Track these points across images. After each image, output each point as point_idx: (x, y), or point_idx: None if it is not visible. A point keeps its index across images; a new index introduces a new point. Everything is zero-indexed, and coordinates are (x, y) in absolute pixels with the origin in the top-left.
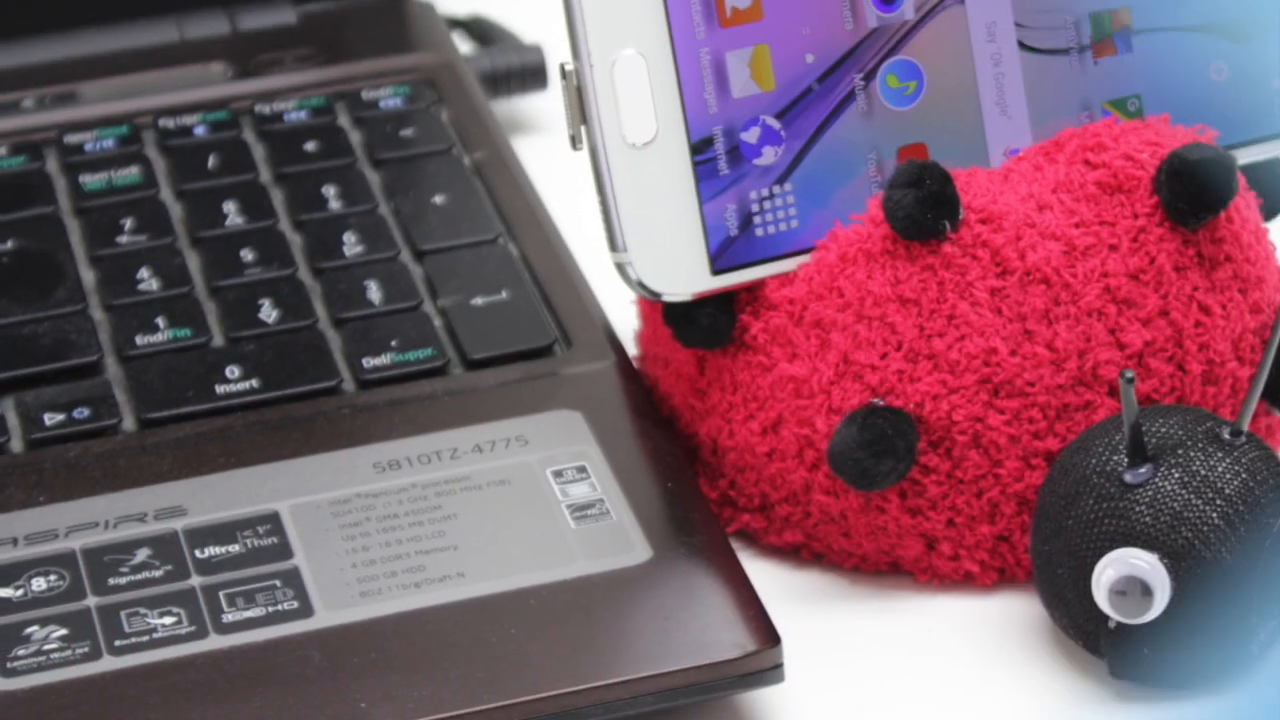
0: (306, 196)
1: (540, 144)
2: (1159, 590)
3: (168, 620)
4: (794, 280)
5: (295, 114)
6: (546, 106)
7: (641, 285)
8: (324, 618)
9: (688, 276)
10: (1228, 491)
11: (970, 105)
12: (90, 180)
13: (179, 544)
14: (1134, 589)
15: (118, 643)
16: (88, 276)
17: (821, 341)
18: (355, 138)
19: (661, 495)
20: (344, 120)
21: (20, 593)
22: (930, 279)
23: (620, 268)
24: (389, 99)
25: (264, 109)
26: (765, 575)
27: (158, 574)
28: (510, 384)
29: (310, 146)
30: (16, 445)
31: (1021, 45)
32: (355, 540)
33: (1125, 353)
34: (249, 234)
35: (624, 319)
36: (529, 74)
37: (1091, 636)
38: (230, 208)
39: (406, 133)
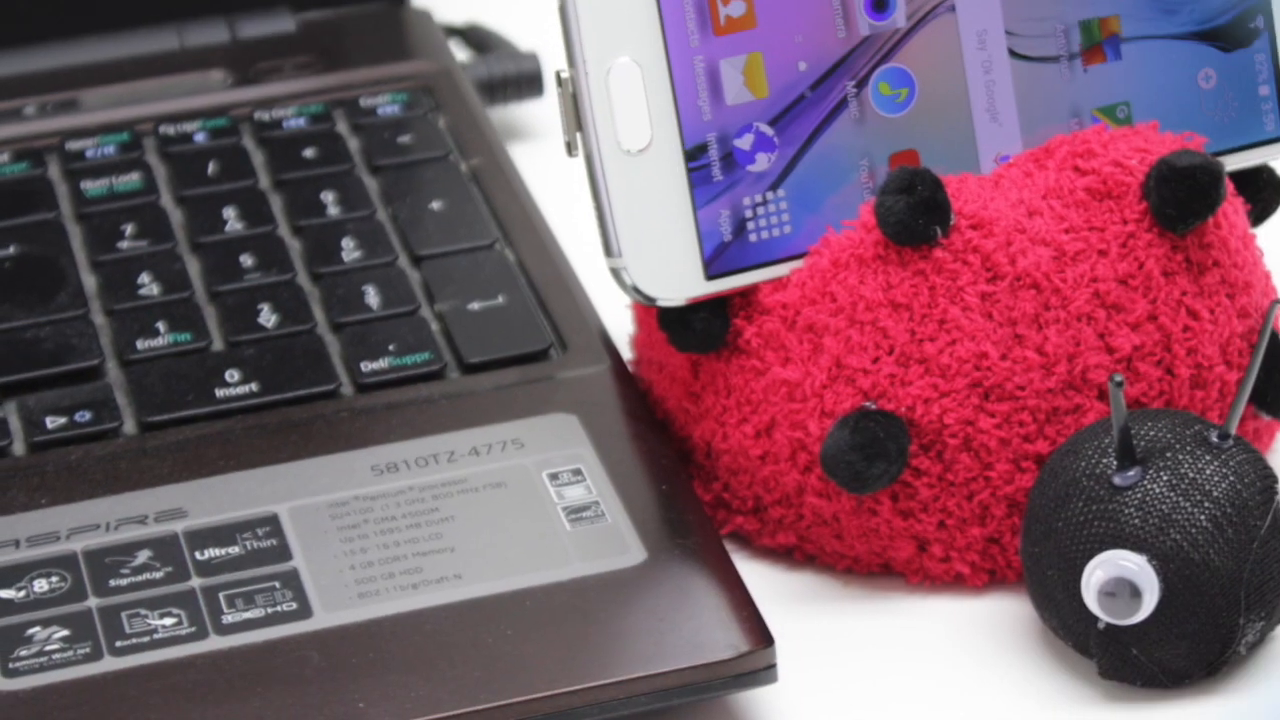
0: (305, 202)
1: (536, 150)
2: (1147, 592)
3: (168, 621)
4: (787, 285)
5: (294, 121)
6: (542, 113)
7: (636, 290)
8: (322, 619)
9: (682, 281)
10: (1215, 494)
11: (961, 112)
12: (91, 186)
13: (179, 546)
14: (1123, 590)
15: (119, 643)
16: (89, 281)
17: (814, 346)
18: (353, 144)
19: (656, 498)
20: (342, 127)
21: (22, 594)
22: (922, 284)
23: (615, 273)
24: (387, 106)
25: (263, 116)
26: (759, 577)
27: (158, 575)
28: (506, 388)
29: (309, 153)
30: (19, 448)
31: (1012, 53)
32: (353, 542)
33: (1114, 357)
34: (248, 239)
35: (619, 323)
36: (525, 81)
37: (1081, 637)
38: (230, 213)
39: (404, 139)
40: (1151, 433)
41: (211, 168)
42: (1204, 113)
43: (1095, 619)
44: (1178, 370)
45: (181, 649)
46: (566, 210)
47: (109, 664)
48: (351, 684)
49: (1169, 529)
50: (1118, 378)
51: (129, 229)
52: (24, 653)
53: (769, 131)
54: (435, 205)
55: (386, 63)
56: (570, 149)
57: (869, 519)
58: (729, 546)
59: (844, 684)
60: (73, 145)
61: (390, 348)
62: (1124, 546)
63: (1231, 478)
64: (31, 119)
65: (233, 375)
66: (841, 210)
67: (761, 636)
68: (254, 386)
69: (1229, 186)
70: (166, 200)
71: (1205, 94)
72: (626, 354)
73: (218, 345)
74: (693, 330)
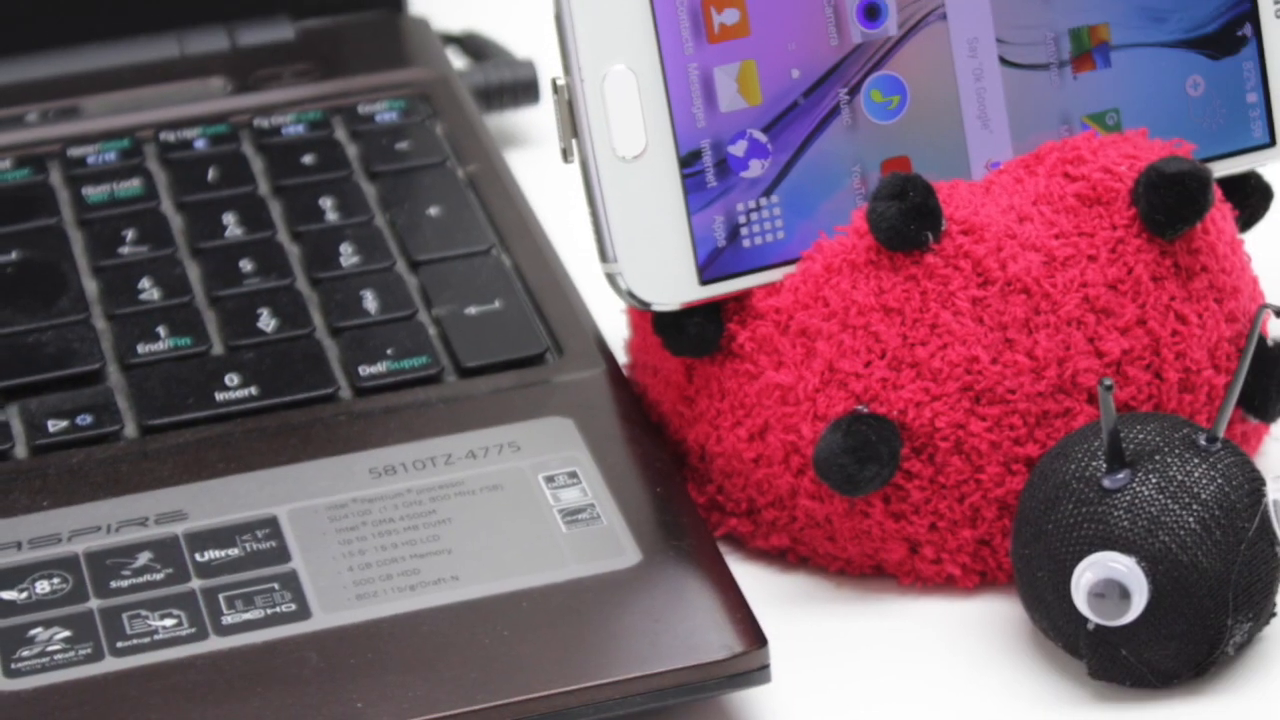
0: (304, 208)
1: (532, 157)
2: (1136, 593)
3: (168, 622)
4: (780, 290)
5: (293, 128)
6: (538, 120)
7: (631, 295)
8: (321, 620)
9: (676, 286)
10: (1204, 497)
11: (952, 119)
12: (93, 192)
13: (179, 548)
14: (1112, 592)
15: (119, 644)
16: (90, 286)
17: (807, 350)
18: (352, 151)
19: (651, 500)
20: (341, 134)
21: (24, 595)
22: (913, 289)
23: (610, 278)
24: (384, 113)
25: (262, 123)
26: (752, 578)
27: (159, 577)
28: (503, 391)
29: (308, 159)
30: (21, 451)
31: (1002, 60)
32: (352, 544)
33: (1104, 361)
34: (248, 245)
35: (614, 328)
36: (521, 89)
37: (1071, 638)
38: (230, 219)
39: (402, 146)
40: (1140, 436)
41: (211, 174)
42: (1192, 119)
43: (1085, 620)
44: (1166, 374)
45: (182, 649)
46: (562, 216)
47: (110, 664)
48: (350, 684)
49: (1158, 531)
50: (1107, 381)
51: (130, 234)
52: (26, 653)
53: (762, 138)
54: (433, 211)
55: (384, 70)
56: (566, 155)
57: (861, 521)
58: (723, 548)
59: (837, 684)
60: (74, 152)
61: (388, 352)
62: (1113, 548)
63: (1219, 480)
64: (34, 126)
65: (232, 379)
66: (834, 216)
67: (755, 637)
68: (253, 390)
69: (1217, 192)
70: (167, 206)
71: (1194, 101)
72: (622, 358)
73: (218, 349)
74: (687, 335)
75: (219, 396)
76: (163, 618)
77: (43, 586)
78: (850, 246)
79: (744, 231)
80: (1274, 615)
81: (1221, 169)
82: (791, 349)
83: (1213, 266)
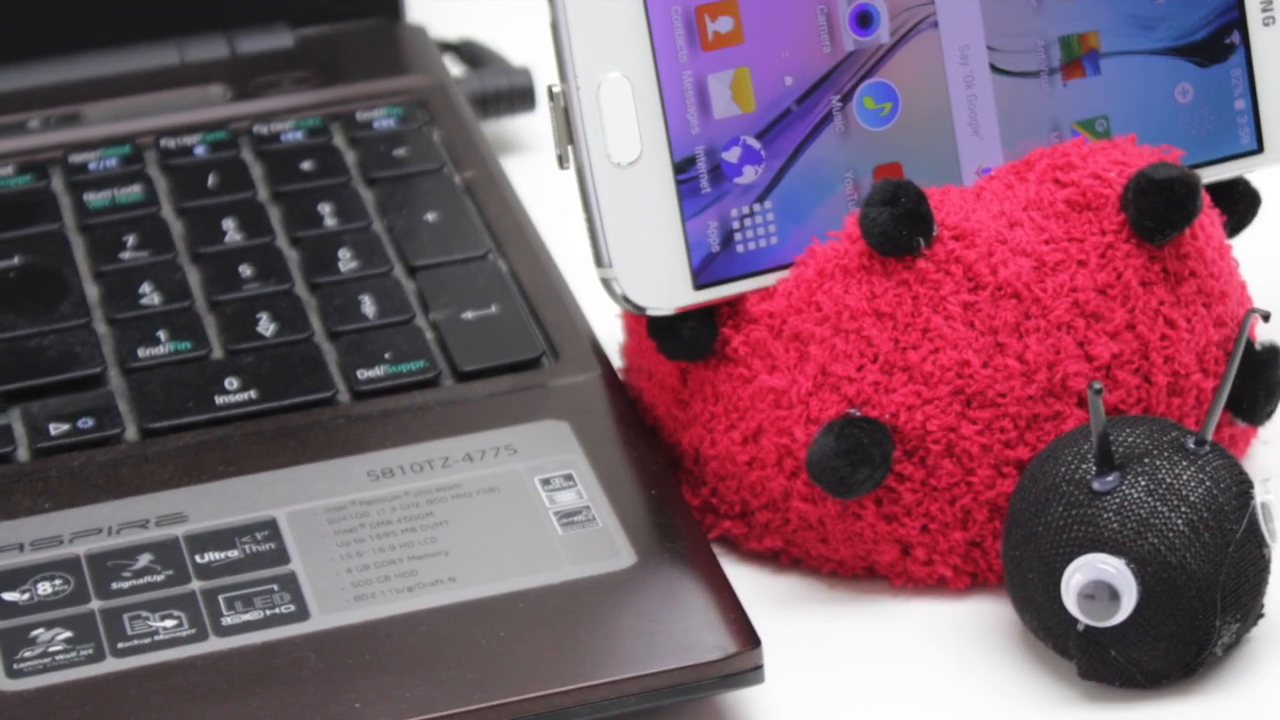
0: (303, 214)
1: (528, 163)
2: (1126, 594)
3: (169, 623)
4: (774, 295)
5: (292, 134)
6: (534, 127)
7: (626, 300)
8: (320, 621)
9: (671, 291)
10: (1192, 499)
11: (944, 126)
12: (94, 198)
13: (180, 549)
14: (1102, 593)
15: (120, 645)
16: (91, 291)
17: (800, 354)
18: (350, 157)
19: (645, 502)
20: (339, 140)
21: (26, 596)
22: (905, 293)
23: (606, 283)
24: (382, 120)
25: (262, 129)
26: (746, 580)
27: (159, 578)
28: (499, 395)
29: (306, 166)
30: (23, 454)
31: (993, 68)
32: (350, 546)
33: (1093, 365)
34: (247, 250)
35: (609, 332)
36: (518, 96)
37: (1061, 639)
38: (229, 225)
39: (399, 152)
40: (1130, 439)
41: (211, 180)
42: (1181, 126)
43: (1075, 621)
44: (1155, 378)
45: (182, 650)
46: (558, 221)
47: (111, 665)
48: (348, 684)
49: (1147, 533)
50: (1097, 385)
51: (130, 240)
52: (28, 654)
53: (756, 145)
54: (430, 217)
55: (382, 77)
56: (562, 162)
57: (854, 523)
58: (717, 550)
59: (829, 684)
60: (75, 158)
61: (386, 356)
62: (1103, 550)
63: (1208, 483)
64: (35, 132)
65: (232, 383)
66: (827, 221)
67: (749, 638)
68: (253, 394)
69: (1205, 198)
70: (167, 212)
71: (1182, 108)
72: (617, 362)
73: (217, 353)
74: (681, 339)
75: (219, 400)
76: (163, 619)
77: (44, 588)
78: (843, 252)
79: (738, 237)
80: (1261, 616)
81: (1210, 175)
82: (785, 353)
83: (1201, 271)
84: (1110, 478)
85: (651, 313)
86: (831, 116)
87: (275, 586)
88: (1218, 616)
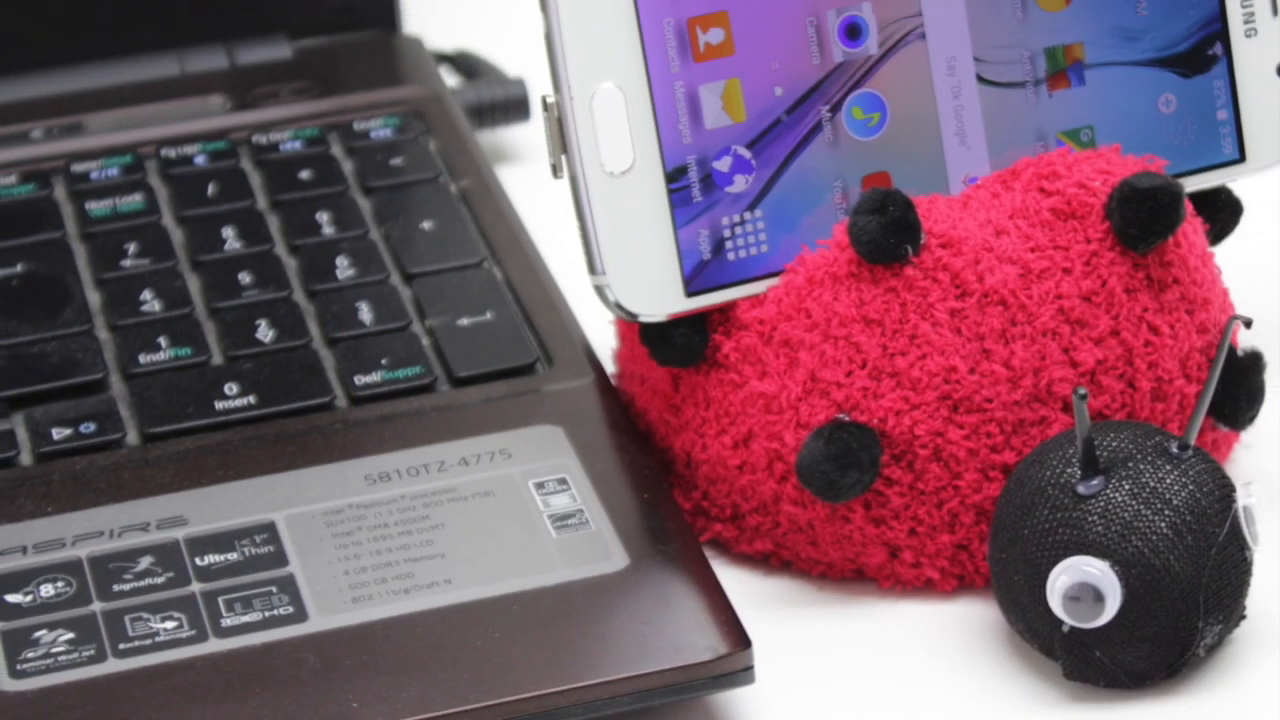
0: (301, 222)
1: (523, 172)
2: (1110, 596)
3: (169, 624)
4: (764, 302)
5: (290, 144)
6: (529, 137)
7: (619, 306)
8: (318, 622)
9: (663, 298)
10: (1175, 502)
11: (931, 136)
12: (96, 207)
13: (180, 552)
14: (1086, 595)
15: (122, 646)
16: (93, 298)
17: (790, 360)
18: (347, 166)
19: (638, 506)
20: (337, 150)
21: (29, 598)
22: (893, 300)
23: (599, 290)
24: (379, 130)
25: (261, 139)
26: (736, 582)
27: (160, 580)
28: (494, 400)
29: (305, 175)
30: (26, 459)
31: (980, 79)
32: (347, 548)
33: (1078, 370)
34: (246, 258)
35: (602, 338)
36: (512, 106)
37: (1046, 640)
38: (229, 233)
39: (396, 162)
40: (1114, 443)
41: (211, 189)
42: (1164, 136)
43: (1060, 622)
44: (1139, 383)
45: (182, 651)
46: (552, 230)
47: (112, 666)
48: (346, 685)
49: (1131, 536)
50: (1081, 390)
51: (132, 248)
52: (31, 654)
53: (746, 154)
54: (426, 225)
55: (379, 88)
56: (555, 171)
57: (842, 526)
58: (708, 553)
59: (819, 685)
60: (78, 167)
61: (383, 362)
62: (1087, 553)
63: (1191, 487)
64: (38, 142)
65: (231, 388)
66: (816, 230)
67: (739, 639)
68: (252, 399)
69: (1188, 207)
70: (168, 220)
71: (1165, 118)
72: (610, 368)
73: (217, 359)
74: (673, 345)
75: (218, 405)
76: (164, 620)
77: (47, 590)
78: (832, 259)
79: (729, 245)
80: (1244, 618)
81: (1193, 184)
82: (775, 359)
83: (1184, 279)
84: (1095, 482)
85: (644, 319)
86: (821, 126)
87: (274, 588)
88: (1201, 618)
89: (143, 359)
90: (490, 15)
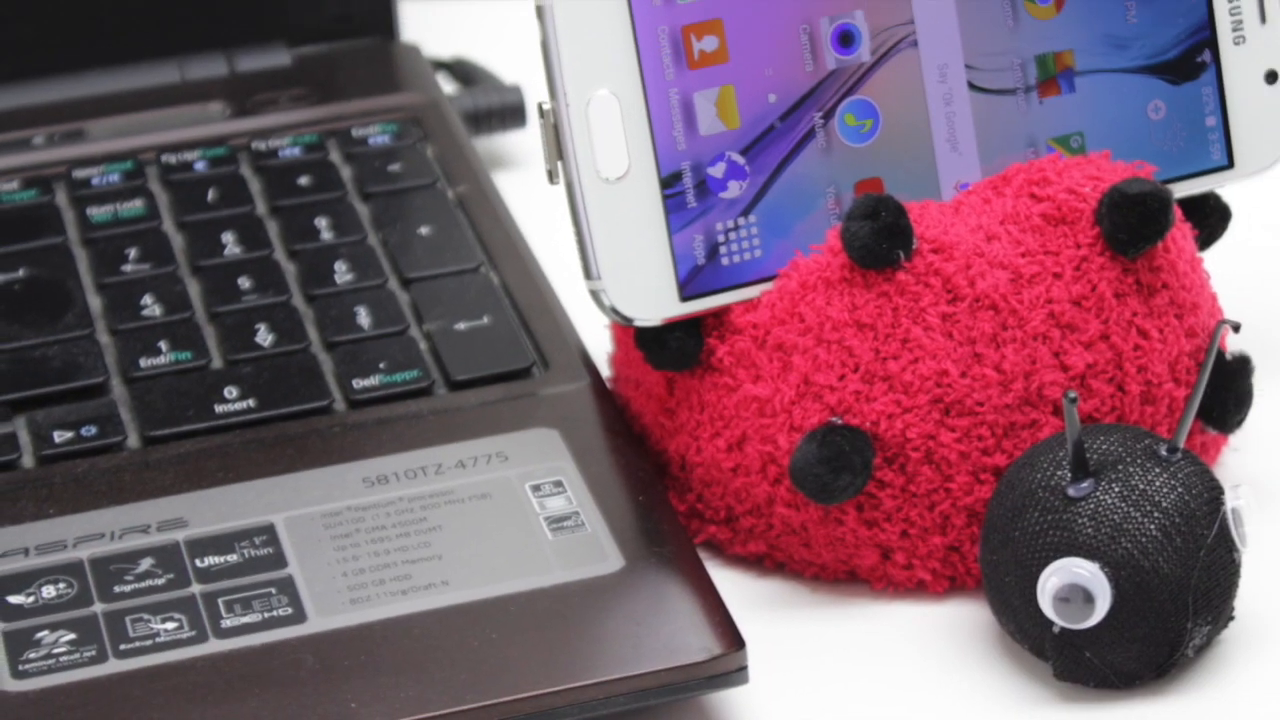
0: (300, 228)
1: (519, 178)
2: (1100, 597)
3: (170, 625)
4: (758, 306)
5: (289, 150)
6: (525, 143)
7: (614, 311)
8: (316, 623)
9: (658, 303)
10: (1164, 505)
11: (923, 142)
12: (97, 212)
13: (180, 554)
14: (1077, 596)
15: (123, 646)
16: (94, 303)
17: (783, 364)
18: (346, 172)
19: (633, 508)
20: (335, 156)
21: (31, 599)
22: (885, 305)
23: (595, 294)
24: (377, 136)
25: (260, 145)
26: (731, 583)
27: (160, 582)
28: (491, 404)
29: (303, 181)
30: (28, 461)
31: (971, 86)
32: (346, 550)
33: (1068, 374)
34: (246, 263)
35: (598, 343)
36: (509, 113)
37: (1037, 641)
38: (228, 238)
39: (394, 168)
40: (1104, 446)
41: (211, 195)
42: (1153, 142)
43: (1050, 623)
44: (1129, 387)
45: (182, 652)
46: (548, 235)
47: (113, 666)
48: (344, 685)
49: (1120, 538)
50: (1071, 394)
51: (132, 253)
52: (33, 655)
53: (740, 160)
54: (423, 230)
55: (377, 95)
56: (552, 177)
57: (835, 528)
58: (702, 554)
59: (812, 685)
60: (79, 173)
61: (381, 366)
62: (1078, 554)
63: (1180, 489)
64: (40, 148)
65: (231, 392)
66: (809, 235)
67: (733, 640)
68: (251, 402)
69: (1177, 213)
70: (168, 225)
71: (1155, 125)
72: (605, 372)
73: (217, 363)
74: (668, 349)
75: (218, 408)
76: (164, 621)
77: (49, 591)
78: (825, 264)
79: (723, 250)
80: (1232, 619)
81: (1181, 190)
82: (768, 363)
83: (1173, 284)
84: (1085, 484)
85: (639, 324)
86: (814, 133)
87: (273, 590)
88: (1189, 619)
89: (143, 363)
90: (487, 23)
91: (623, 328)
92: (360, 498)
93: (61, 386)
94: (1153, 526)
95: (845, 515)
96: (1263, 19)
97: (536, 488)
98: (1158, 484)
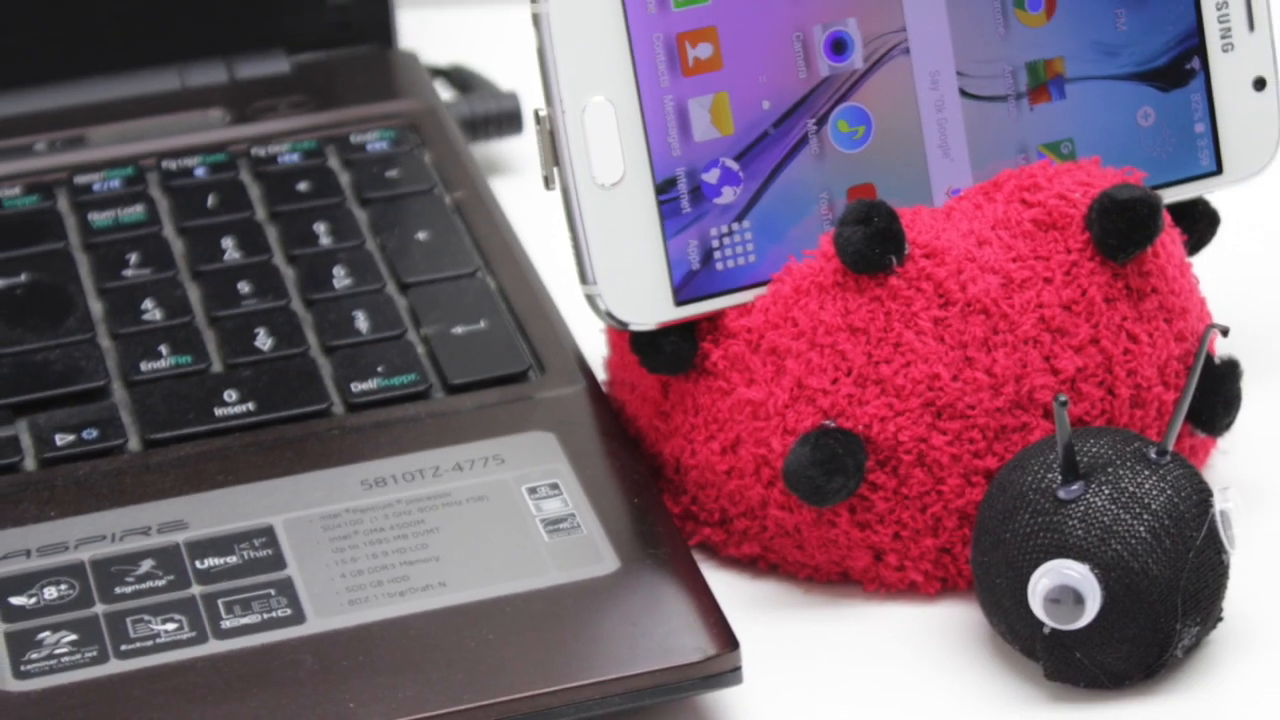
0: (299, 233)
1: (516, 184)
2: (1090, 599)
3: (170, 626)
4: (752, 310)
5: (288, 156)
6: (522, 149)
7: (610, 315)
8: (315, 624)
9: (653, 307)
10: (1154, 507)
11: (915, 148)
12: (98, 218)
13: (180, 555)
14: (1067, 597)
15: (123, 647)
16: (96, 307)
17: (777, 368)
18: (344, 178)
19: (628, 510)
20: (334, 162)
21: (33, 601)
22: (878, 309)
23: (590, 299)
24: (375, 142)
25: (259, 152)
26: (725, 585)
27: (161, 583)
28: (488, 407)
29: (302, 186)
30: (30, 464)
31: (963, 93)
32: (344, 552)
33: (1059, 378)
34: (245, 268)
35: (594, 347)
36: (505, 119)
37: (1028, 641)
38: (228, 243)
39: (391, 174)
40: (1094, 449)
41: (211, 200)
42: (1143, 149)
43: (1041, 624)
44: (1118, 390)
45: (183, 652)
46: (544, 240)
47: (114, 666)
48: (343, 685)
49: (1110, 540)
50: (1062, 398)
51: (133, 258)
52: (35, 656)
53: (734, 166)
54: (421, 235)
55: (375, 102)
56: (548, 183)
57: (828, 530)
58: (697, 556)
59: (805, 686)
60: (80, 179)
61: (379, 369)
62: (1068, 556)
63: (1169, 491)
64: (41, 155)
65: (231, 395)
66: (803, 240)
67: (728, 641)
68: (251, 406)
69: (1167, 218)
70: (169, 231)
71: (1144, 131)
72: (601, 375)
73: (217, 367)
74: (663, 353)
75: (218, 412)
76: (164, 622)
77: (50, 592)
78: (818, 269)
79: (717, 255)
80: (1220, 620)
81: (1171, 196)
82: (762, 367)
83: (1162, 288)
84: (1075, 487)
85: (634, 328)
86: (807, 139)
87: (272, 591)
88: (1179, 620)
89: (144, 367)
90: (484, 30)
91: (618, 332)
92: (358, 500)
93: (63, 390)
94: (1142, 528)
95: (838, 517)
96: (1251, 26)
97: (533, 490)
98: (1147, 486)
